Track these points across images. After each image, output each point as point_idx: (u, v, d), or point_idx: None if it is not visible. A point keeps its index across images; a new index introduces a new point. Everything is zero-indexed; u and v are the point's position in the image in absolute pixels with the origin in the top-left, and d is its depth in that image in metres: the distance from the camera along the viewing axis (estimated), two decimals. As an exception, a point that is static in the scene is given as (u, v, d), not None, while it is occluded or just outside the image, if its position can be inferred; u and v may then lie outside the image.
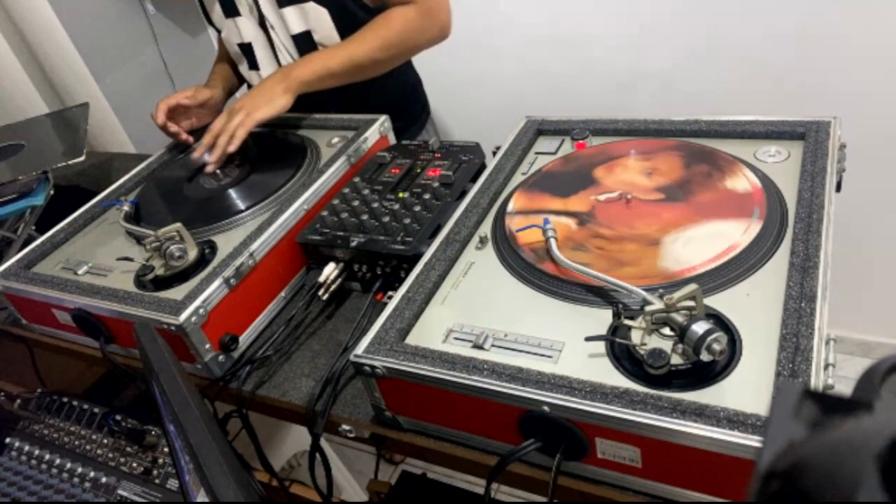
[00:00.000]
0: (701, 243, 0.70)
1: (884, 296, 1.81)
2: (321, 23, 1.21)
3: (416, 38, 1.20)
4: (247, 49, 1.29)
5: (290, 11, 1.20)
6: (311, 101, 1.16)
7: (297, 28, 1.22)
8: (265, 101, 1.08)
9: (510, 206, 0.83)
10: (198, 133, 1.30)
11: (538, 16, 1.77)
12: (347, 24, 1.22)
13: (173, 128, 1.23)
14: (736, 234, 0.70)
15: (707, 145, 0.85)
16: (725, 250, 0.68)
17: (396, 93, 1.37)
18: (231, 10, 1.25)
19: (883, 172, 1.59)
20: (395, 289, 0.74)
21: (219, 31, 1.33)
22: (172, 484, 0.95)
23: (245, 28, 1.26)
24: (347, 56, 1.14)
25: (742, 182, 0.77)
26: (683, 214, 0.75)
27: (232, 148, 1.07)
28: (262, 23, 1.24)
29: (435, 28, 1.21)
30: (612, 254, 0.71)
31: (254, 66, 1.31)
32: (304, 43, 1.24)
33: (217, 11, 1.28)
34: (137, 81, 2.04)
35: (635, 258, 0.70)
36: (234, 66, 1.39)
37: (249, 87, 1.39)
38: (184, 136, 1.25)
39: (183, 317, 0.78)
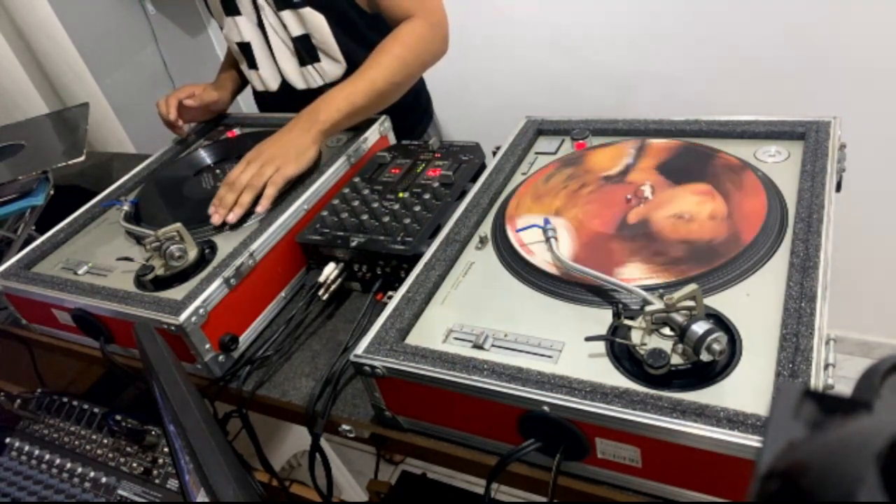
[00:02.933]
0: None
1: (884, 296, 1.81)
2: (318, 28, 1.20)
3: (427, 53, 1.15)
4: (245, 48, 1.29)
5: (287, 15, 1.20)
6: (305, 106, 1.16)
7: (296, 31, 1.22)
8: (295, 154, 0.98)
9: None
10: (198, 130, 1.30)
11: (538, 16, 1.77)
12: (344, 30, 1.21)
13: (180, 123, 1.23)
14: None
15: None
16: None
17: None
18: (231, 9, 1.25)
19: (883, 172, 1.59)
20: (395, 289, 0.74)
21: (221, 27, 1.33)
22: (172, 484, 0.95)
23: (244, 27, 1.26)
24: (370, 86, 1.06)
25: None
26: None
27: (261, 210, 0.94)
28: (260, 23, 1.24)
29: (441, 41, 1.17)
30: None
31: (252, 65, 1.31)
32: (304, 46, 1.24)
33: (218, 8, 1.27)
34: (137, 81, 2.04)
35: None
36: (239, 71, 1.39)
37: (251, 86, 1.39)
38: (185, 130, 1.25)
39: (183, 317, 0.78)
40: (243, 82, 1.39)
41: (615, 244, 0.73)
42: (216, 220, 0.95)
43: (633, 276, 0.67)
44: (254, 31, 1.26)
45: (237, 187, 0.96)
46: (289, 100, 1.29)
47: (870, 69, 1.49)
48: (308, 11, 1.18)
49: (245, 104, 1.72)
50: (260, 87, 1.33)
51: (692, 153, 0.84)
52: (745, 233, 0.69)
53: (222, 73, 1.40)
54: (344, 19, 1.20)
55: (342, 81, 1.08)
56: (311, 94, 1.13)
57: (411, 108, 1.39)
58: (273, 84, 1.31)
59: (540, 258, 0.73)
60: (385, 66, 1.07)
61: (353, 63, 1.16)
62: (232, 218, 0.94)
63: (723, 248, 0.68)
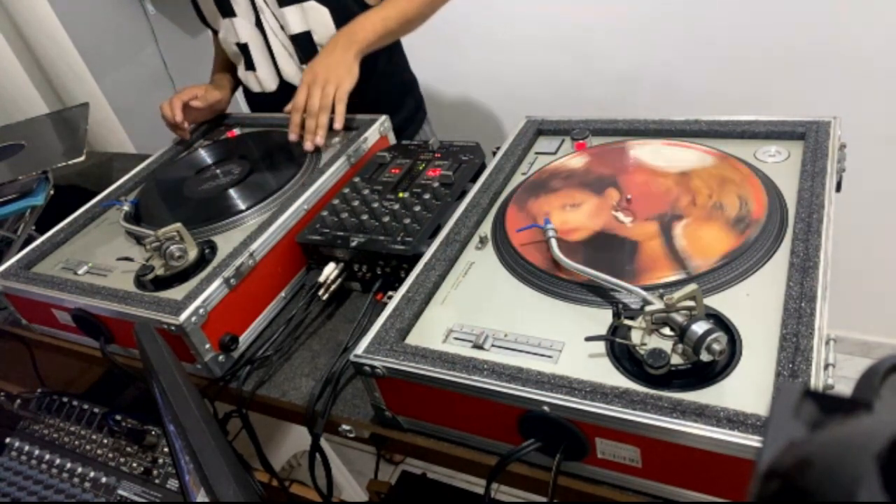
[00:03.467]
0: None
1: (884, 296, 1.81)
2: (321, 23, 1.21)
3: None
4: (243, 49, 1.29)
5: (290, 11, 1.20)
6: None
7: (297, 28, 1.22)
8: (346, 70, 1.07)
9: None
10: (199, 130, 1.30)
11: (538, 15, 1.77)
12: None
13: (186, 125, 1.23)
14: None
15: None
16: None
17: (394, 90, 1.37)
18: (227, 10, 1.25)
19: (883, 172, 1.59)
20: (395, 289, 0.74)
21: (215, 32, 1.33)
22: (172, 484, 0.95)
23: (241, 28, 1.26)
24: (402, 13, 1.15)
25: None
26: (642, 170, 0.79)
27: (339, 125, 1.06)
28: (258, 23, 1.24)
29: None
30: (720, 190, 0.74)
31: (250, 66, 1.31)
32: (304, 43, 1.24)
33: (213, 12, 1.28)
34: (137, 81, 2.04)
35: (711, 176, 0.74)
36: (232, 69, 1.38)
37: (245, 88, 1.39)
38: (188, 133, 1.25)
39: (183, 317, 0.78)
40: (237, 82, 1.39)
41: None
42: (309, 146, 1.06)
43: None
44: (252, 32, 1.26)
45: (312, 112, 1.05)
46: (287, 100, 1.30)
47: (870, 69, 1.49)
48: (312, 6, 1.19)
49: (245, 105, 1.72)
50: (257, 89, 1.33)
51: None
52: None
53: (217, 73, 1.40)
54: (347, 13, 1.21)
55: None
56: None
57: (403, 105, 1.40)
58: (271, 84, 1.31)
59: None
60: None
61: None
62: (320, 140, 1.06)
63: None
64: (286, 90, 1.30)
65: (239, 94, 1.45)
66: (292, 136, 1.08)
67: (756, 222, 0.70)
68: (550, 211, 0.80)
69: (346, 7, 1.21)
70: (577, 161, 0.89)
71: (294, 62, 1.27)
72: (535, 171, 0.90)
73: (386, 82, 1.33)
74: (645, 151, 0.86)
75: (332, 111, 1.06)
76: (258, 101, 1.38)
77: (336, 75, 1.06)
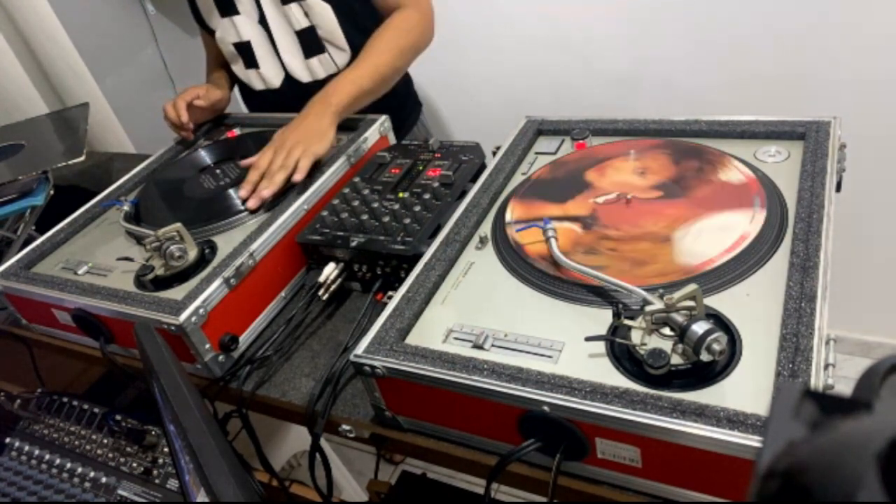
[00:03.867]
0: (712, 235, 0.71)
1: (884, 296, 1.81)
2: (325, 18, 1.22)
3: (420, 40, 1.22)
4: (244, 48, 1.29)
5: (293, 7, 1.21)
6: (310, 99, 1.16)
7: (301, 24, 1.23)
8: (318, 136, 1.02)
9: (508, 216, 0.83)
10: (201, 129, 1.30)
11: (538, 16, 1.77)
12: (349, 20, 1.24)
13: (190, 125, 1.23)
14: (744, 223, 0.70)
15: (692, 142, 0.86)
16: (738, 240, 0.68)
17: (391, 90, 1.38)
18: (228, 9, 1.25)
19: (883, 172, 1.59)
20: (395, 289, 0.74)
21: (211, 32, 1.33)
22: (172, 484, 0.95)
23: (243, 26, 1.26)
24: (374, 70, 1.12)
25: (735, 174, 0.78)
26: (686, 209, 0.75)
27: (300, 178, 0.98)
28: (262, 20, 1.25)
29: (430, 29, 1.24)
30: (625, 254, 0.71)
31: (251, 64, 1.31)
32: (308, 39, 1.24)
33: (213, 11, 1.28)
34: (137, 81, 2.04)
35: (650, 256, 0.70)
36: (229, 70, 1.38)
37: (244, 87, 1.39)
38: (192, 134, 1.25)
39: (183, 317, 0.78)
40: (235, 80, 1.39)
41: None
42: (253, 204, 0.96)
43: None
44: (255, 29, 1.26)
45: (271, 172, 0.98)
46: (293, 95, 1.30)
47: (870, 69, 1.49)
48: (315, 2, 1.20)
49: (244, 105, 1.72)
50: (260, 86, 1.33)
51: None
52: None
53: (213, 73, 1.40)
54: (349, 9, 1.23)
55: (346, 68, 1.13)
56: (316, 86, 1.13)
57: (399, 104, 1.40)
58: (276, 81, 1.31)
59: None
60: (385, 51, 1.14)
61: (358, 51, 1.18)
62: (266, 195, 0.96)
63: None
64: (291, 85, 1.30)
65: (236, 93, 1.45)
66: (242, 193, 0.99)
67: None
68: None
69: (348, 3, 1.21)
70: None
71: (299, 57, 1.28)
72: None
73: None
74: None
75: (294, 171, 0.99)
76: (260, 99, 1.38)
77: (307, 140, 1.01)
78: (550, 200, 0.83)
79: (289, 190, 0.99)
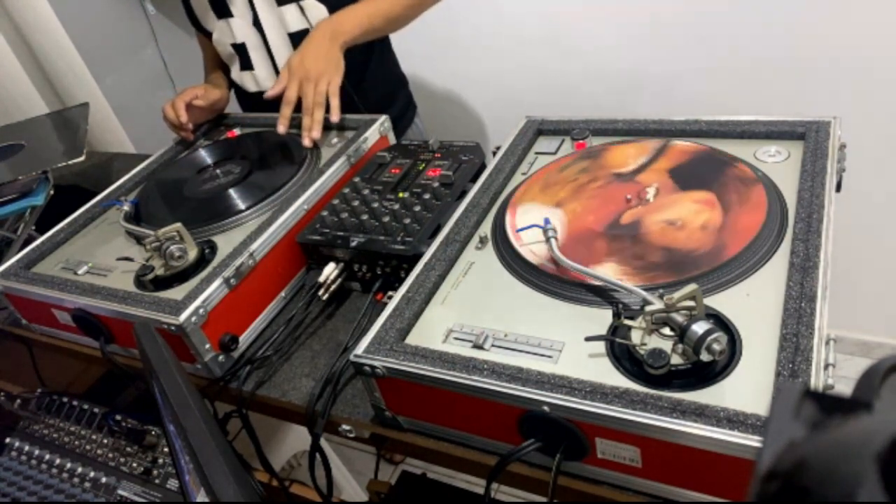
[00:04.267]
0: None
1: (884, 296, 1.81)
2: (320, 20, 1.21)
3: None
4: (239, 49, 1.29)
5: (289, 9, 1.21)
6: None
7: (296, 26, 1.22)
8: (333, 64, 1.05)
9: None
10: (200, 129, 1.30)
11: (538, 16, 1.77)
12: None
13: (190, 126, 1.23)
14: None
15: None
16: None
17: (386, 87, 1.38)
18: (223, 11, 1.25)
19: (883, 172, 1.59)
20: (395, 289, 0.74)
21: (208, 35, 1.33)
22: (172, 484, 0.95)
23: (238, 28, 1.26)
24: (388, 10, 1.14)
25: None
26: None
27: (335, 118, 1.04)
28: (255, 22, 1.24)
29: None
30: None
31: (246, 66, 1.31)
32: (302, 41, 1.24)
33: (208, 13, 1.28)
34: (137, 81, 2.04)
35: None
36: (226, 70, 1.38)
37: (239, 89, 1.38)
38: (192, 134, 1.25)
39: (183, 317, 0.78)
40: (231, 81, 1.40)
41: (599, 242, 0.73)
42: (307, 142, 1.04)
43: (609, 273, 0.68)
44: (249, 31, 1.26)
45: (307, 109, 1.04)
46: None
47: (870, 69, 1.49)
48: (311, 4, 1.20)
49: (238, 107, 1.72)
50: (254, 88, 1.33)
51: (710, 160, 0.82)
52: (730, 247, 0.68)
53: (211, 73, 1.40)
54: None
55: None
56: None
57: (393, 102, 1.40)
58: (269, 82, 1.31)
59: (540, 258, 0.73)
60: None
61: (351, 55, 1.17)
62: (316, 135, 1.03)
63: (702, 260, 0.67)
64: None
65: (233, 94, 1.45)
66: (281, 129, 1.05)
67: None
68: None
69: (344, 4, 1.21)
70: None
71: None
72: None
73: (379, 79, 1.33)
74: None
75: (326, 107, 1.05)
76: (253, 101, 1.38)
77: (327, 71, 1.04)
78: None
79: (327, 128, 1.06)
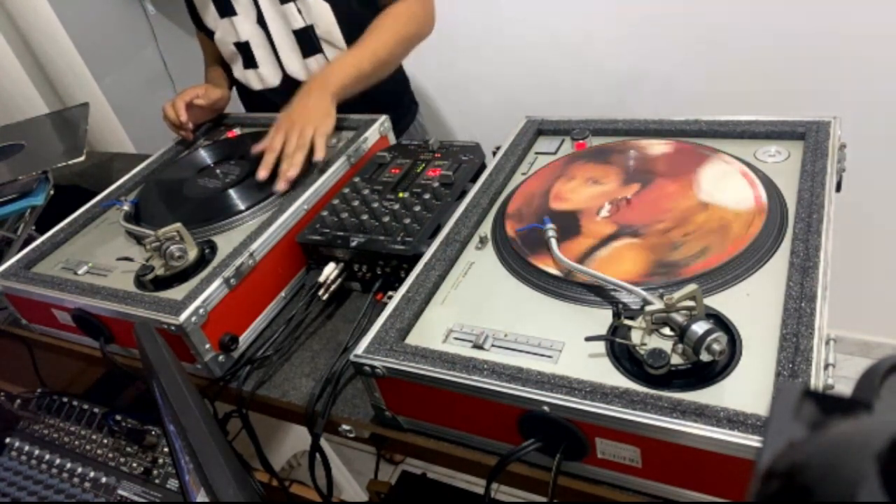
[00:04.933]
0: (725, 179, 0.77)
1: (884, 296, 1.81)
2: (323, 18, 1.22)
3: (420, 29, 1.23)
4: (243, 48, 1.29)
5: (291, 7, 1.21)
6: None
7: (299, 24, 1.23)
8: (324, 113, 1.03)
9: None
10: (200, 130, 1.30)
11: (538, 16, 1.77)
12: (348, 19, 1.24)
13: (190, 125, 1.23)
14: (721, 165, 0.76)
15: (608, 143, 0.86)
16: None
17: (388, 87, 1.38)
18: (226, 10, 1.25)
19: (883, 172, 1.59)
20: (395, 289, 0.74)
21: (211, 34, 1.33)
22: (172, 484, 0.95)
23: (241, 26, 1.26)
24: (373, 55, 1.13)
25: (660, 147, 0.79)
26: (679, 179, 0.79)
27: (321, 157, 1.00)
28: (259, 20, 1.25)
29: (431, 19, 1.25)
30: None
31: (250, 64, 1.31)
32: (306, 38, 1.24)
33: (211, 12, 1.28)
34: (137, 81, 2.04)
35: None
36: (227, 69, 1.38)
37: (242, 88, 1.39)
38: (192, 134, 1.25)
39: (183, 317, 0.78)
40: (234, 78, 1.39)
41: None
42: (282, 186, 0.98)
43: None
44: (253, 29, 1.26)
45: (287, 153, 1.00)
46: (291, 94, 1.30)
47: (870, 69, 1.49)
48: (314, 1, 1.20)
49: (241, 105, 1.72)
50: (258, 86, 1.34)
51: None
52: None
53: (211, 72, 1.40)
54: (348, 8, 1.23)
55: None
56: None
57: (396, 102, 1.40)
58: (274, 80, 1.31)
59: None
60: (385, 38, 1.16)
61: None
62: (292, 175, 0.98)
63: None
64: (290, 85, 1.30)
65: (235, 92, 1.45)
66: (262, 174, 0.99)
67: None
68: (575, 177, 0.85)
69: (347, 2, 1.21)
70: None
71: (297, 56, 1.28)
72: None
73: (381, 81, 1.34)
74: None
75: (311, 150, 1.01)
76: (258, 99, 1.38)
77: (314, 119, 1.02)
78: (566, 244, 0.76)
79: (311, 168, 1.01)
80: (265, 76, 1.31)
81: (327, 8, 1.21)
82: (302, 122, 1.02)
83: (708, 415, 0.52)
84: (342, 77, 1.08)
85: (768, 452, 0.21)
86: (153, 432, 1.00)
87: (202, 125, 1.31)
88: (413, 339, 0.69)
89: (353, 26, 1.24)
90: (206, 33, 1.35)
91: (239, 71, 1.34)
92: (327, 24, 1.23)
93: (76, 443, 1.05)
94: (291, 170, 0.98)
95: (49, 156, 1.25)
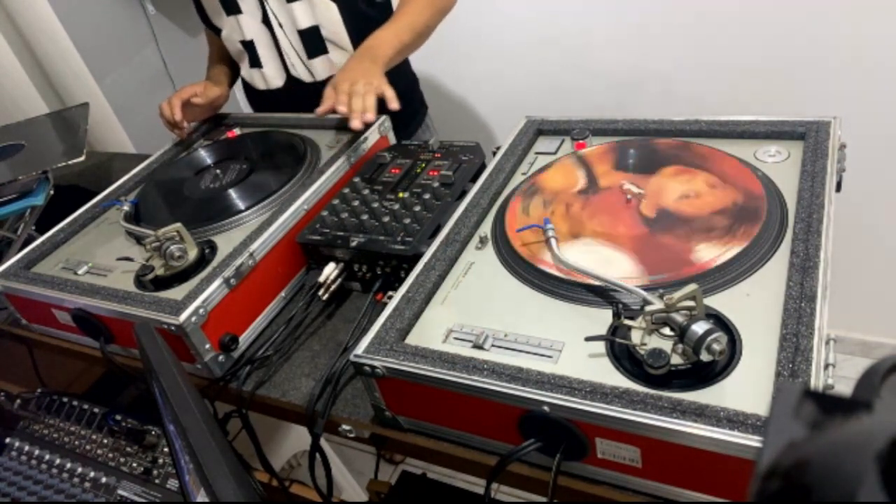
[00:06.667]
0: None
1: (884, 296, 1.81)
2: (329, 18, 1.22)
3: (448, 2, 1.25)
4: (248, 47, 1.29)
5: (298, 6, 1.21)
6: (311, 100, 1.16)
7: (305, 23, 1.22)
8: (378, 75, 1.05)
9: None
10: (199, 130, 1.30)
11: (538, 16, 1.77)
12: (354, 20, 1.24)
13: (185, 124, 1.23)
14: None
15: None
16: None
17: (399, 88, 1.38)
18: (232, 8, 1.25)
19: (883, 172, 1.59)
20: (395, 289, 0.74)
21: (217, 31, 1.33)
22: (172, 484, 0.95)
23: (247, 25, 1.26)
24: (411, 26, 1.16)
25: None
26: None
27: (397, 106, 1.03)
28: (265, 19, 1.25)
29: None
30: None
31: (255, 64, 1.30)
32: (312, 38, 1.24)
33: (217, 10, 1.27)
34: (137, 81, 2.03)
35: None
36: (233, 66, 1.38)
37: (249, 87, 1.39)
38: (187, 132, 1.25)
39: (183, 317, 0.78)
40: (234, 75, 1.39)
41: (661, 238, 0.72)
42: (357, 124, 0.99)
43: (712, 254, 0.67)
44: (258, 28, 1.26)
45: (357, 92, 1.01)
46: (295, 95, 1.30)
47: (870, 69, 1.49)
48: (321, 1, 1.20)
49: (245, 104, 1.72)
50: (262, 86, 1.33)
51: (637, 147, 0.88)
52: (750, 185, 0.74)
53: (213, 69, 1.40)
54: (355, 9, 1.23)
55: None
56: (318, 87, 1.13)
57: (406, 103, 1.40)
58: (278, 81, 1.31)
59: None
60: (420, 8, 1.18)
61: None
62: (370, 117, 1.00)
63: (750, 203, 0.72)
64: (293, 86, 1.30)
65: (239, 92, 1.45)
66: (356, 124, 1.00)
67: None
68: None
69: (354, 2, 1.21)
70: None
71: (302, 57, 1.27)
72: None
73: (393, 77, 1.34)
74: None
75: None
76: (262, 98, 1.38)
77: (375, 77, 1.04)
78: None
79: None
80: (269, 76, 1.31)
81: (334, 7, 1.21)
82: (367, 76, 1.04)
83: (708, 415, 0.52)
84: (387, 49, 1.11)
85: (768, 452, 0.21)
86: (153, 432, 1.00)
87: (202, 124, 1.31)
88: (413, 339, 0.69)
89: (360, 27, 1.24)
90: (213, 30, 1.35)
91: (245, 69, 1.34)
92: (334, 24, 1.23)
93: (76, 443, 1.05)
94: (369, 112, 1.00)
95: (49, 156, 1.25)
